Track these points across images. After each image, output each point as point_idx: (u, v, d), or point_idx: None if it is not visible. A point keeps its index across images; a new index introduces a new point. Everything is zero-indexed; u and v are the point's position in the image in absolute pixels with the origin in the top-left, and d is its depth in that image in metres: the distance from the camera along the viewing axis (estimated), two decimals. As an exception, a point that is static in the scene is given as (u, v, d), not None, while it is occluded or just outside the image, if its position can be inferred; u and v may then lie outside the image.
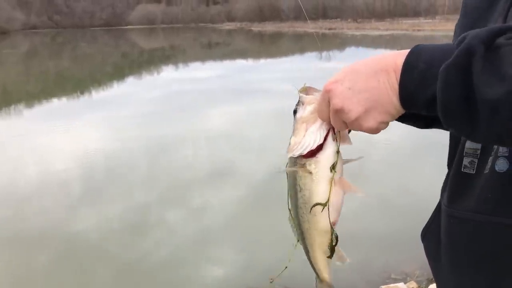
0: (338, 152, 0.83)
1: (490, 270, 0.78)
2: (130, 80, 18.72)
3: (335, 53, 25.57)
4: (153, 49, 38.94)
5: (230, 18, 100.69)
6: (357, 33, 43.81)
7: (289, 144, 0.85)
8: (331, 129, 0.81)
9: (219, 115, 9.82)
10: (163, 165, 6.58)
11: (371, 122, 0.72)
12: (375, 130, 0.74)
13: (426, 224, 0.98)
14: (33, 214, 5.02)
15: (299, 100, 0.85)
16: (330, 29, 51.76)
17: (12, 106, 12.48)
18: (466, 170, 0.82)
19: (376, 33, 42.47)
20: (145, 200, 5.30)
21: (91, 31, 76.80)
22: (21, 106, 12.57)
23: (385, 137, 6.60)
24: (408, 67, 0.67)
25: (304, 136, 0.82)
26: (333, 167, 0.83)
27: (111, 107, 11.57)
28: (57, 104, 13.03)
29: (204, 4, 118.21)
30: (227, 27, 75.49)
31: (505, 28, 0.61)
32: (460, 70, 0.60)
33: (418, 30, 43.09)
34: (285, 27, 60.48)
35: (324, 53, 24.60)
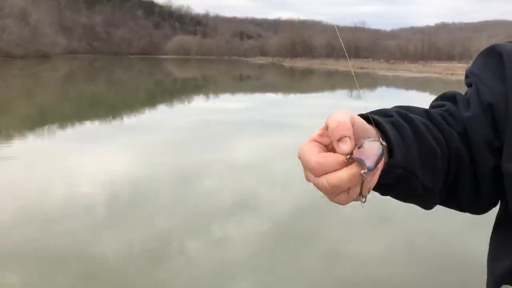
0: None
1: None
2: (161, 108, 19.08)
3: (366, 92, 25.54)
4: (186, 79, 39.75)
5: (263, 53, 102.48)
6: (389, 73, 43.78)
7: None
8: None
9: (245, 147, 9.85)
10: (187, 193, 6.60)
11: None
12: None
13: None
14: (56, 235, 5.07)
15: None
16: (362, 68, 51.95)
17: (46, 127, 12.84)
18: None
19: (409, 74, 42.35)
20: (167, 227, 5.30)
21: (128, 59, 79.19)
22: (54, 127, 12.92)
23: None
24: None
25: None
26: None
27: (140, 133, 11.77)
28: (89, 127, 13.34)
29: (238, 37, 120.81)
30: (260, 61, 76.67)
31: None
32: None
33: (452, 74, 42.76)
34: (317, 64, 61.02)
35: (355, 92, 24.61)
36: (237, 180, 7.40)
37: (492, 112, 0.82)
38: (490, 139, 0.80)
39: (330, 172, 0.62)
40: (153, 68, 53.95)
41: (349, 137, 0.61)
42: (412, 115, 0.77)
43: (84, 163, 8.29)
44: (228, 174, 7.72)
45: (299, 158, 0.68)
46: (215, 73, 48.69)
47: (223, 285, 4.06)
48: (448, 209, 0.90)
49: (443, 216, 5.81)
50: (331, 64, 58.91)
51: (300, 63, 64.85)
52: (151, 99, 22.26)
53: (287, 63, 67.61)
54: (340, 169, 0.61)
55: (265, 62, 72.72)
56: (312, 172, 0.65)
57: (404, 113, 0.77)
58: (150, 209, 5.91)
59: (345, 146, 0.60)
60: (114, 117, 15.28)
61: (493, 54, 0.87)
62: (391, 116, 0.76)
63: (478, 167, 0.81)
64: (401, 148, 0.70)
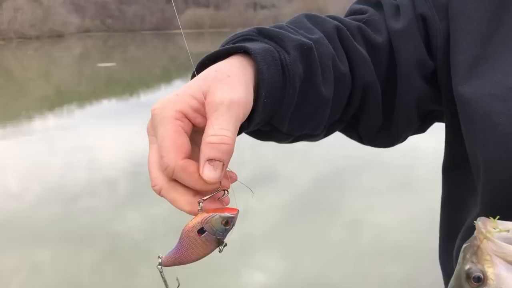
0: None
1: None
2: (177, 83, 19.07)
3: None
4: (201, 53, 39.12)
5: (277, 22, 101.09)
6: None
7: None
8: None
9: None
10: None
11: None
12: None
13: None
14: (81, 212, 5.17)
15: (484, 255, 0.39)
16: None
17: (65, 106, 12.98)
18: None
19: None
20: (189, 202, 5.36)
21: (141, 35, 79.04)
22: (73, 106, 13.06)
23: (432, 146, 6.39)
24: None
25: None
26: None
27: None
28: (107, 105, 13.44)
29: (252, 8, 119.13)
30: (274, 32, 75.56)
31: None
32: None
33: None
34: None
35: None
36: (256, 152, 7.41)
37: (426, 26, 0.68)
38: (423, 60, 0.68)
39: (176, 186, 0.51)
40: (167, 44, 53.74)
41: (223, 163, 0.52)
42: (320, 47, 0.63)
43: (104, 141, 8.38)
44: (247, 146, 7.73)
45: (148, 133, 0.57)
46: (229, 46, 48.26)
47: (246, 257, 4.11)
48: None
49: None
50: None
51: (315, 32, 63.73)
52: (166, 75, 22.25)
53: (302, 32, 66.57)
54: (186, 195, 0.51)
55: (279, 33, 71.73)
56: (164, 169, 0.52)
57: (307, 46, 0.61)
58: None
59: (212, 174, 0.51)
60: (131, 95, 15.35)
61: None
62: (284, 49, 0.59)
63: (400, 93, 0.69)
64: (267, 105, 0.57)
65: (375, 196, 5.27)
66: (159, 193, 0.56)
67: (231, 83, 0.51)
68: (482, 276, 0.38)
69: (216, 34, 79.62)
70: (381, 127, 0.75)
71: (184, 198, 0.55)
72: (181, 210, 0.57)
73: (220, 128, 0.51)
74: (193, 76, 0.58)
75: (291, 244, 4.36)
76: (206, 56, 0.59)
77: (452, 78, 0.63)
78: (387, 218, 4.70)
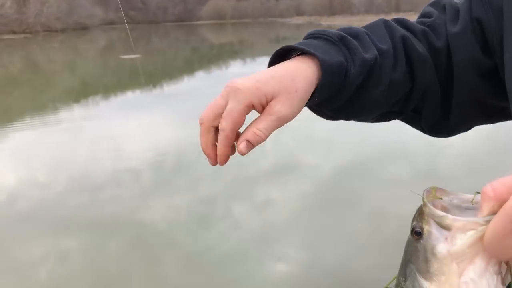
0: None
1: None
2: (200, 75, 19.15)
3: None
4: (222, 44, 39.58)
5: (299, 12, 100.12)
6: (432, 27, 41.96)
7: None
8: (507, 271, 0.46)
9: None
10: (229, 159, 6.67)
11: None
12: None
13: None
14: (107, 201, 5.27)
15: (423, 215, 0.51)
16: (402, 23, 49.93)
17: (90, 98, 13.18)
18: None
19: (452, 27, 40.46)
20: (212, 193, 5.40)
21: (164, 27, 79.47)
22: (98, 98, 13.25)
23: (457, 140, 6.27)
24: None
25: (459, 286, 0.46)
26: None
27: (181, 100, 11.91)
28: (131, 96, 13.60)
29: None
30: (296, 22, 75.11)
31: None
32: None
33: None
34: (356, 21, 59.18)
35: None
36: (278, 142, 7.41)
37: (482, 28, 0.75)
38: (478, 59, 0.75)
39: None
40: (189, 35, 53.93)
41: (252, 146, 0.75)
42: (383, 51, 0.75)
43: (129, 131, 8.50)
44: (269, 138, 7.73)
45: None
46: (251, 36, 48.18)
47: (269, 246, 4.14)
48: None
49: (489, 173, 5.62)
50: (371, 20, 56.87)
51: (339, 21, 63.03)
52: (189, 67, 22.35)
53: (325, 21, 65.87)
54: None
55: (301, 22, 71.13)
56: (221, 128, 0.71)
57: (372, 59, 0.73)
58: (195, 174, 6.03)
59: (244, 150, 0.75)
60: (154, 86, 15.49)
61: None
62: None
63: (456, 90, 0.78)
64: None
65: (399, 186, 5.21)
66: (201, 124, 0.72)
67: (293, 99, 0.68)
68: (421, 231, 0.51)
69: (238, 25, 79.46)
70: (441, 121, 0.85)
71: (208, 141, 0.74)
72: (202, 146, 0.74)
73: (263, 128, 0.70)
74: (271, 62, 0.75)
75: (313, 234, 4.36)
76: (285, 47, 0.74)
77: (505, 76, 0.70)
78: (411, 208, 4.65)
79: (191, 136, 7.95)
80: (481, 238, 0.44)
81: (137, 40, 46.46)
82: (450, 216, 0.48)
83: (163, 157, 6.83)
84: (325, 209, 4.84)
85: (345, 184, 5.50)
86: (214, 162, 0.78)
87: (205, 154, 0.74)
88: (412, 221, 0.52)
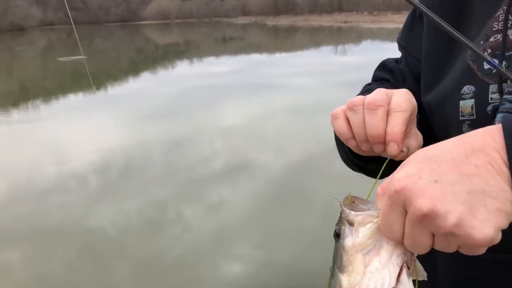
0: None
1: None
2: (145, 76, 18.79)
3: (350, 47, 25.33)
4: (168, 44, 39.04)
5: (245, 12, 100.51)
6: (373, 26, 43.34)
7: (339, 286, 0.56)
8: (405, 263, 0.55)
9: (235, 110, 9.78)
10: (179, 160, 6.57)
11: (486, 228, 0.47)
12: (489, 242, 0.48)
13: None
14: (52, 209, 5.05)
15: (341, 218, 0.58)
16: (345, 22, 51.30)
17: (30, 102, 12.60)
18: None
19: (392, 26, 41.96)
20: (162, 196, 5.29)
21: (106, 27, 77.35)
22: (38, 102, 12.69)
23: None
24: None
25: (364, 275, 0.54)
26: None
27: (127, 103, 11.61)
28: (74, 99, 13.12)
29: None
30: (242, 22, 75.32)
31: None
32: None
33: (435, 23, 42.23)
34: (300, 20, 60.14)
35: (340, 47, 24.41)
36: (229, 143, 7.38)
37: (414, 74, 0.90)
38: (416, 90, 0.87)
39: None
40: (133, 36, 52.80)
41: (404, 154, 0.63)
42: None
43: (73, 135, 8.19)
44: (220, 139, 7.69)
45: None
46: (197, 36, 47.83)
47: (223, 248, 4.10)
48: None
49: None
50: (315, 20, 57.91)
51: (283, 21, 63.73)
52: (134, 68, 21.88)
53: (270, 21, 66.46)
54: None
55: (247, 22, 71.45)
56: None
57: None
58: (144, 178, 5.89)
59: (393, 152, 0.64)
60: (98, 88, 15.02)
61: (413, 10, 0.92)
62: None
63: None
64: None
65: (348, 181, 5.31)
66: (378, 107, 0.64)
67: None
68: (339, 232, 0.58)
69: (183, 25, 78.70)
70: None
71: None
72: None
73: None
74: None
75: (267, 232, 4.37)
76: None
77: (421, 93, 0.85)
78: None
79: (139, 138, 7.77)
80: (378, 229, 0.54)
81: (79, 41, 44.94)
82: (352, 212, 0.57)
83: (110, 161, 6.63)
84: (278, 207, 4.86)
85: (296, 181, 5.55)
86: None
87: None
88: (335, 226, 0.59)
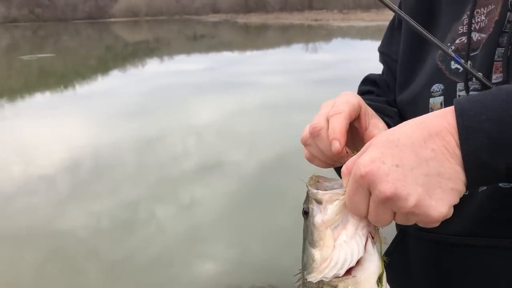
0: (384, 261, 0.62)
1: None
2: (115, 74, 18.48)
3: (321, 45, 25.54)
4: (138, 42, 38.52)
5: (215, 10, 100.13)
6: (343, 24, 43.84)
7: (312, 260, 0.61)
8: (369, 233, 0.61)
9: (207, 109, 9.72)
10: (151, 160, 6.49)
11: (441, 206, 0.53)
12: (442, 218, 0.55)
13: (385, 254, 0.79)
14: (19, 212, 4.90)
15: (308, 197, 0.63)
16: (316, 20, 51.71)
17: (-6, 101, 12.22)
18: None
19: (362, 24, 42.54)
20: (134, 196, 5.21)
21: (74, 24, 75.74)
22: (3, 101, 12.32)
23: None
24: (470, 131, 0.53)
25: (334, 248, 0.59)
26: (379, 281, 0.60)
27: (96, 101, 11.39)
28: (40, 99, 12.79)
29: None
30: (212, 19, 75.01)
31: None
32: None
33: (403, 21, 42.96)
34: (271, 18, 60.32)
35: (311, 45, 24.60)
36: (201, 142, 7.33)
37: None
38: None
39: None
40: (101, 33, 51.85)
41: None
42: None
43: (39, 136, 7.98)
44: (192, 137, 7.63)
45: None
46: (167, 34, 47.35)
47: (196, 247, 4.07)
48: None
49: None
50: (285, 18, 58.17)
51: (254, 19, 63.74)
52: (103, 66, 21.49)
53: (241, 19, 66.38)
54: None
55: (218, 20, 71.16)
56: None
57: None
58: (115, 178, 5.79)
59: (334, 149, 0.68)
60: (66, 87, 14.70)
61: (392, 19, 1.01)
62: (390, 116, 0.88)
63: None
64: None
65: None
66: (319, 130, 0.69)
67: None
68: (307, 210, 0.63)
69: (153, 22, 77.75)
70: None
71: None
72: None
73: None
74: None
75: (240, 231, 4.36)
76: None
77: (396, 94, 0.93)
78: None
79: (109, 137, 7.63)
80: (345, 205, 0.60)
81: (45, 39, 43.83)
82: (320, 191, 0.62)
83: (79, 161, 6.48)
84: (251, 205, 4.86)
85: (269, 179, 5.56)
86: None
87: None
88: (303, 205, 0.64)
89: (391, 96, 0.96)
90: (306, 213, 0.63)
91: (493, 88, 0.60)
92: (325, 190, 0.63)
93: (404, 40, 0.92)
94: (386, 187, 0.53)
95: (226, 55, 24.09)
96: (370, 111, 0.74)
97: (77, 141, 7.47)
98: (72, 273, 3.72)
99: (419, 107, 0.82)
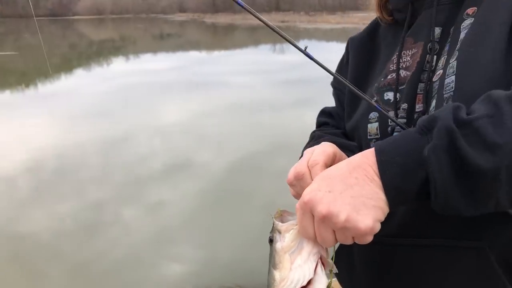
0: (330, 282, 0.75)
1: None
2: (79, 72, 18.08)
3: (288, 46, 25.66)
4: (103, 40, 37.80)
5: (182, 9, 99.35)
6: (309, 26, 44.31)
7: (273, 280, 0.74)
8: (319, 259, 0.74)
9: (174, 108, 9.63)
10: (116, 161, 6.37)
11: (366, 220, 0.67)
12: (371, 230, 0.68)
13: (336, 252, 0.99)
14: (-23, 215, 4.72)
15: (273, 227, 0.77)
16: (283, 21, 52.04)
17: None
18: None
19: (328, 26, 43.09)
20: (99, 198, 5.11)
21: (36, 21, 73.50)
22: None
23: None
24: (385, 164, 0.68)
25: (291, 270, 0.73)
26: None
27: (59, 101, 11.10)
28: (0, 98, 12.37)
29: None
30: (179, 18, 74.39)
31: (457, 105, 0.68)
32: (447, 149, 0.64)
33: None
34: (238, 18, 60.31)
35: (278, 46, 24.73)
36: (168, 142, 7.26)
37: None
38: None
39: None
40: (65, 31, 50.61)
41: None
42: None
43: (0, 137, 7.71)
44: (159, 137, 7.54)
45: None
46: (133, 32, 46.67)
47: (162, 249, 4.02)
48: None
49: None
50: (253, 19, 58.03)
51: (222, 19, 63.53)
52: (67, 64, 20.96)
53: (208, 19, 66.10)
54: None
55: (185, 19, 70.60)
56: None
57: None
58: (79, 179, 5.66)
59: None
60: (27, 86, 14.26)
61: (341, 58, 1.18)
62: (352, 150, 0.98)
63: None
64: None
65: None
66: (302, 175, 0.82)
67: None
68: (272, 239, 0.76)
69: (119, 20, 76.44)
70: None
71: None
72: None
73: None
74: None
75: (209, 231, 4.34)
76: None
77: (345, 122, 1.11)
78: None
79: (73, 137, 7.45)
80: (298, 233, 0.73)
81: (5, 36, 42.41)
82: (280, 223, 0.76)
83: (42, 162, 6.30)
84: (219, 205, 4.84)
85: (237, 180, 5.56)
86: None
87: None
88: (269, 234, 0.77)
89: (343, 124, 1.13)
90: (271, 241, 0.76)
91: (403, 131, 0.76)
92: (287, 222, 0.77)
93: (349, 76, 1.09)
94: (322, 208, 0.68)
95: (194, 54, 23.94)
96: (343, 156, 0.87)
97: (39, 142, 7.26)
98: (33, 277, 3.62)
99: (360, 132, 1.00)
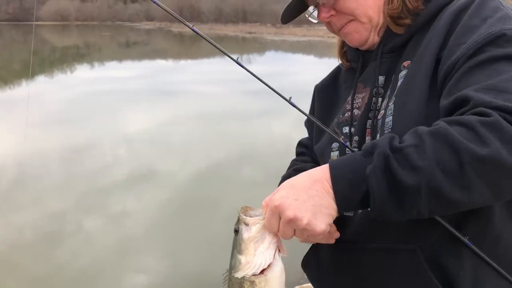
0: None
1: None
2: (41, 79, 17.62)
3: (255, 57, 25.89)
4: (66, 47, 37.06)
5: (149, 18, 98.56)
6: (276, 38, 44.79)
7: (239, 263, 0.90)
8: (277, 247, 0.91)
9: (139, 117, 9.51)
10: (78, 169, 6.23)
11: (322, 224, 0.86)
12: (323, 232, 0.87)
13: (306, 255, 1.22)
14: None
15: (239, 220, 0.92)
16: (250, 33, 52.39)
17: None
18: (347, 214, 1.10)
19: (294, 39, 43.66)
20: (60, 208, 4.97)
21: (-4, 26, 71.36)
22: None
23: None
24: (337, 178, 0.85)
25: (254, 255, 0.90)
26: None
27: (19, 107, 10.75)
28: (-44, 103, 11.91)
29: (122, 2, 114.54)
30: (146, 27, 73.75)
31: (392, 135, 0.85)
32: (384, 169, 0.81)
33: (333, 37, 44.65)
34: (205, 28, 60.32)
35: (245, 56, 24.85)
36: (133, 151, 7.15)
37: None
38: None
39: None
40: (27, 36, 49.25)
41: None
42: None
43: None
44: (123, 146, 7.43)
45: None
46: (98, 40, 45.93)
47: (127, 260, 3.95)
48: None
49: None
50: (220, 29, 58.46)
51: (189, 28, 63.31)
52: (28, 70, 20.37)
53: (175, 28, 65.81)
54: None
55: (152, 28, 70.05)
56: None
57: None
58: (40, 188, 5.50)
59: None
60: (-15, 91, 13.79)
61: (312, 101, 1.41)
62: None
63: None
64: None
65: (253, 187, 5.41)
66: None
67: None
68: (237, 229, 0.92)
69: (83, 27, 75.07)
70: None
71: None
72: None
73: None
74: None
75: (173, 242, 4.29)
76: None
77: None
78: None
79: (33, 145, 7.23)
80: (263, 226, 0.91)
81: (-37, 40, 40.86)
82: (248, 218, 0.92)
83: None
84: (184, 215, 4.80)
85: (202, 189, 5.53)
86: None
87: None
88: (234, 225, 0.93)
89: (314, 153, 1.34)
90: (236, 231, 0.92)
91: (351, 153, 1.00)
92: (251, 216, 0.93)
93: (316, 115, 1.33)
94: (289, 213, 0.86)
95: (160, 63, 23.76)
96: None
97: (-2, 149, 7.02)
98: (-11, 290, 3.48)
99: (325, 158, 1.21)
